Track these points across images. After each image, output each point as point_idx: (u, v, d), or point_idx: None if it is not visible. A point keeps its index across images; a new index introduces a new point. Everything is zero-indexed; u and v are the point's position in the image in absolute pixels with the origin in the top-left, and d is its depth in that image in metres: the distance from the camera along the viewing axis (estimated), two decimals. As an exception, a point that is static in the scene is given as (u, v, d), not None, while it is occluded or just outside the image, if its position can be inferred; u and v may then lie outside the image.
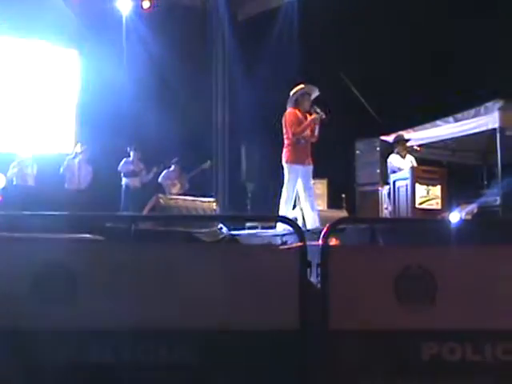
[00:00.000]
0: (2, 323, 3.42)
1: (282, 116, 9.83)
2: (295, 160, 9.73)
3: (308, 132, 9.77)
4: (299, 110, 9.76)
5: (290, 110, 9.80)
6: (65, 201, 12.41)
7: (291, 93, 9.86)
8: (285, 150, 9.77)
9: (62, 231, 4.69)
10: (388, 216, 11.57)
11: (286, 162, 9.74)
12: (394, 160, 11.57)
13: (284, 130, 9.77)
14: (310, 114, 9.78)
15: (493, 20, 11.94)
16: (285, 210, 9.60)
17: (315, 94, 9.92)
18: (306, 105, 9.82)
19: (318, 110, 9.71)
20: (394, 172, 11.33)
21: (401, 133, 12.65)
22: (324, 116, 9.63)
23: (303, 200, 9.78)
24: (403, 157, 11.53)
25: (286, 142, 9.77)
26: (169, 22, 16.12)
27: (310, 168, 9.87)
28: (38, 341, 3.43)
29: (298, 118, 9.72)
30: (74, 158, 14.06)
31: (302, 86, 9.88)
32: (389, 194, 11.45)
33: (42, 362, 3.43)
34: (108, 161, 14.52)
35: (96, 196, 12.38)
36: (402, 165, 11.35)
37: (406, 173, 10.91)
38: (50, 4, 15.17)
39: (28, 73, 15.75)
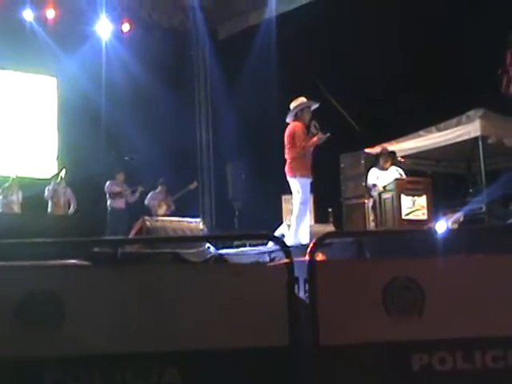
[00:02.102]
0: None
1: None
2: (304, 173, 9.66)
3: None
4: (302, 123, 9.77)
5: (295, 123, 9.74)
6: (51, 227, 12.35)
7: (291, 106, 9.83)
8: (292, 164, 9.65)
9: (48, 258, 4.67)
10: (375, 228, 11.59)
11: (296, 176, 9.64)
12: (369, 177, 11.62)
13: (288, 144, 9.69)
14: (308, 128, 9.78)
15: (473, 29, 12.04)
16: (299, 225, 9.55)
17: (315, 106, 9.92)
18: (306, 118, 9.79)
19: (318, 126, 9.73)
20: (375, 186, 11.36)
21: (384, 145, 12.71)
22: (328, 134, 9.66)
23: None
24: (386, 169, 11.55)
25: (290, 155, 9.67)
26: (149, 44, 16.20)
27: (310, 181, 9.86)
28: (26, 368, 3.41)
29: (304, 132, 9.71)
30: (59, 183, 14.02)
31: (302, 99, 9.86)
32: (374, 206, 11.48)
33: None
34: (92, 184, 14.50)
35: (82, 220, 12.34)
36: (376, 181, 11.37)
37: (391, 184, 10.95)
38: (27, 33, 15.24)
39: (7, 102, 15.73)
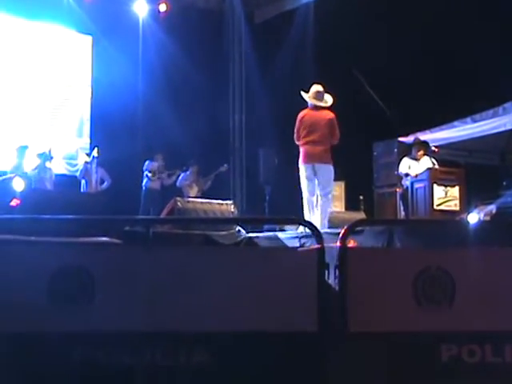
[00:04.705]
0: (21, 326, 3.44)
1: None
2: None
3: None
4: None
5: (331, 113, 9.79)
6: (83, 204, 12.42)
7: (321, 90, 9.84)
8: (329, 152, 9.69)
9: (80, 235, 4.71)
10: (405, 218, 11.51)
11: (332, 163, 9.73)
12: (401, 166, 11.56)
13: (327, 131, 9.65)
14: None
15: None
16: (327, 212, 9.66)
17: None
18: None
19: None
20: (407, 176, 11.30)
21: (418, 134, 12.60)
22: None
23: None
24: (418, 159, 11.46)
25: (329, 144, 9.67)
26: (185, 25, 16.13)
27: None
28: (56, 343, 3.45)
29: None
30: (91, 162, 14.08)
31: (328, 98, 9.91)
32: (403, 196, 11.41)
33: (60, 365, 3.44)
34: (124, 164, 14.53)
35: (114, 199, 12.37)
36: (407, 170, 11.30)
37: (424, 174, 10.87)
38: (64, 11, 15.25)
39: (40, 61, 15.38)
